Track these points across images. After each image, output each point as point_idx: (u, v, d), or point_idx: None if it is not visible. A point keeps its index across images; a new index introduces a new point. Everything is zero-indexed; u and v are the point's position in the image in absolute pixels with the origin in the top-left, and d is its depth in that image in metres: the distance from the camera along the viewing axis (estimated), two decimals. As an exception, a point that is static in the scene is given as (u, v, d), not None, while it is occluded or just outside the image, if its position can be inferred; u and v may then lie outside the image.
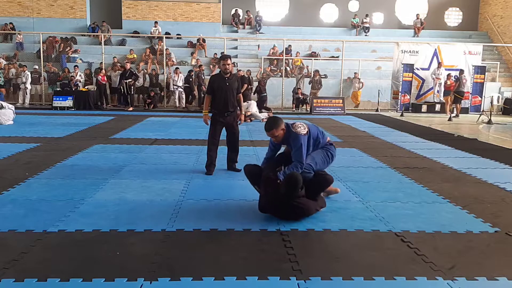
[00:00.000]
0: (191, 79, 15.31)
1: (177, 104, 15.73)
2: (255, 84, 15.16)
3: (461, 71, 14.91)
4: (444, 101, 15.69)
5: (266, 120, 4.67)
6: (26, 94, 15.40)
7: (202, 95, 14.83)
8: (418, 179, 5.39)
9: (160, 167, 5.88)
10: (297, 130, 4.07)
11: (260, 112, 12.45)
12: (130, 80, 14.53)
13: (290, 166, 4.00)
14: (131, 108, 14.66)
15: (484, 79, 16.00)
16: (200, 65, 15.93)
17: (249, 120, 11.78)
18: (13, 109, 10.34)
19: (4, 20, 19.15)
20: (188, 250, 3.14)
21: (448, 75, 15.09)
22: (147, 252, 3.08)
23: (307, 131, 4.09)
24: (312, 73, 16.40)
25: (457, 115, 14.30)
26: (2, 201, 4.22)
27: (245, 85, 13.17)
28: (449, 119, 13.32)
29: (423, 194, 4.78)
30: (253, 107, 12.20)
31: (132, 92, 14.90)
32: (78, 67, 15.71)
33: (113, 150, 7.08)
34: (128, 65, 14.94)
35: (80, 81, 15.23)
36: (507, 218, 4.01)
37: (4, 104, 10.18)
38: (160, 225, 3.61)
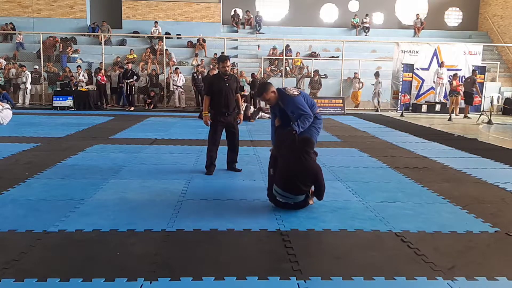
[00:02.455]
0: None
1: (177, 104, 15.73)
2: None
3: (472, 72, 14.73)
4: (444, 101, 15.68)
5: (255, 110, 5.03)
6: (26, 94, 15.40)
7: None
8: (418, 179, 5.39)
9: (160, 167, 5.88)
10: (289, 92, 4.53)
11: (254, 111, 12.38)
12: (131, 80, 14.56)
13: (300, 120, 4.36)
14: (132, 108, 14.67)
15: (484, 79, 15.98)
16: (198, 65, 15.92)
17: (252, 120, 11.80)
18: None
19: (4, 20, 19.14)
20: (188, 250, 3.14)
21: (455, 75, 14.98)
22: (147, 252, 3.08)
23: (299, 93, 4.58)
24: (312, 73, 16.39)
25: (455, 115, 14.28)
26: (2, 201, 4.22)
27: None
28: (449, 119, 13.31)
29: (423, 194, 4.77)
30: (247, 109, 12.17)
31: (134, 92, 14.93)
32: (81, 67, 15.72)
33: (113, 150, 7.08)
34: (130, 65, 14.96)
35: (83, 81, 15.25)
36: (507, 218, 4.02)
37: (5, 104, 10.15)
38: (160, 225, 3.60)
